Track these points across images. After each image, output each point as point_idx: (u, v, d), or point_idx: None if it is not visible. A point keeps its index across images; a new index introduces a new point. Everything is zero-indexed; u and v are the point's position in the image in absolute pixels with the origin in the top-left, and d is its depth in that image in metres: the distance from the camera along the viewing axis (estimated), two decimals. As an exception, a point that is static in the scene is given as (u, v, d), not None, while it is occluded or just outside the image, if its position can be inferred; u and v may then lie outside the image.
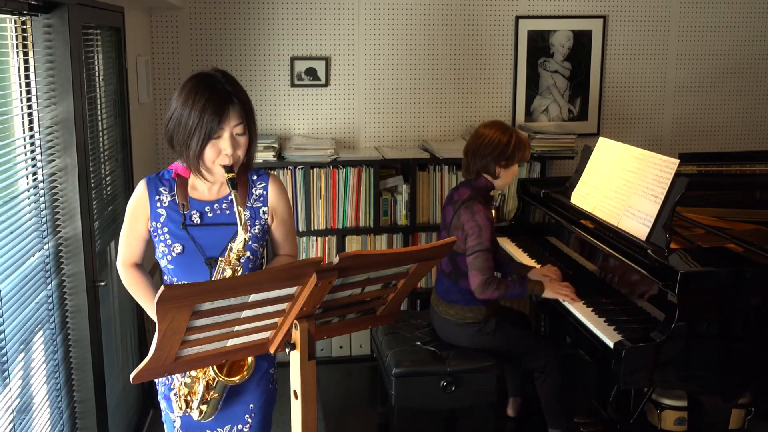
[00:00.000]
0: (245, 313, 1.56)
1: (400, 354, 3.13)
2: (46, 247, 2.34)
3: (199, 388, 2.03)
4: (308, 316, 1.63)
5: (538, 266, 3.27)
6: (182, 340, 1.51)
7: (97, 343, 2.59)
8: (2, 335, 1.97)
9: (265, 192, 2.13)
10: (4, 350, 1.98)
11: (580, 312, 2.81)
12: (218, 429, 2.15)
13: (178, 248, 2.03)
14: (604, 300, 2.88)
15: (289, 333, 1.65)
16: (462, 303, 3.13)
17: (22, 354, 2.16)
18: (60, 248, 2.43)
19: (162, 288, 1.38)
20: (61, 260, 2.44)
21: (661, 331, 2.44)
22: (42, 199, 2.31)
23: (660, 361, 2.43)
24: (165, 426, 2.22)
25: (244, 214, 2.02)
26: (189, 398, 2.05)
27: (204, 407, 2.05)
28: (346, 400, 3.93)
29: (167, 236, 2.04)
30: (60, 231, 2.43)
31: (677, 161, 2.73)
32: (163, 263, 2.07)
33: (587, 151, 3.39)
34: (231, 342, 1.63)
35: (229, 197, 2.06)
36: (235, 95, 1.96)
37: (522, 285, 3.02)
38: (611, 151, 3.18)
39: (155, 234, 2.06)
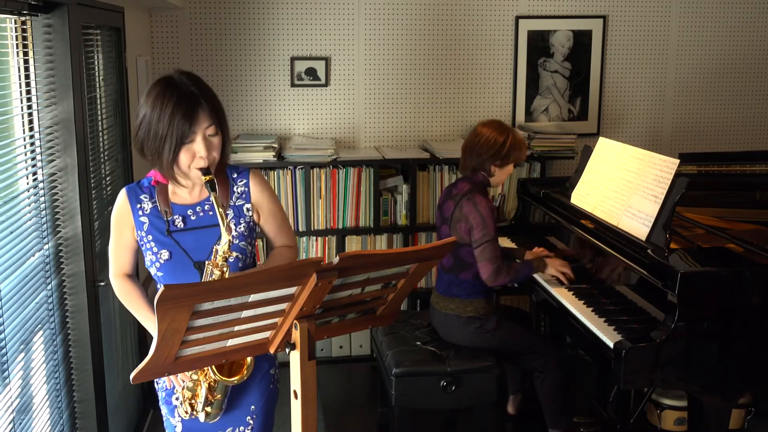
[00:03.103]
0: (245, 313, 1.56)
1: (400, 354, 3.13)
2: (46, 247, 2.34)
3: (202, 391, 2.03)
4: (308, 316, 1.63)
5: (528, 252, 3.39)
6: (182, 340, 1.51)
7: (97, 343, 2.59)
8: (2, 335, 1.97)
9: (246, 189, 2.10)
10: (4, 350, 1.98)
11: (580, 312, 2.81)
12: None
13: (165, 255, 2.02)
14: (604, 300, 2.88)
15: (289, 333, 1.65)
16: (463, 296, 3.15)
17: (22, 354, 2.16)
18: (60, 248, 2.43)
19: (162, 288, 1.38)
20: (61, 260, 2.44)
21: (661, 331, 2.44)
22: (42, 199, 2.31)
23: (660, 361, 2.43)
24: (166, 431, 2.22)
25: (227, 214, 2.00)
26: (193, 402, 2.05)
27: (209, 409, 2.06)
28: (346, 400, 3.92)
29: (152, 244, 2.03)
30: (60, 231, 2.43)
31: (677, 161, 2.73)
32: (152, 271, 2.06)
33: (587, 151, 3.39)
34: (231, 342, 1.63)
35: (210, 199, 2.03)
36: (202, 97, 1.92)
37: (528, 266, 3.13)
38: (611, 151, 3.19)
39: (141, 243, 2.05)
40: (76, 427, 2.55)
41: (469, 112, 4.38)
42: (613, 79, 4.49)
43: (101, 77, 2.92)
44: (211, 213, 2.05)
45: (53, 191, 2.39)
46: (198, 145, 1.92)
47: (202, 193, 2.07)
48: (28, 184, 2.25)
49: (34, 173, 2.30)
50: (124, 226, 2.06)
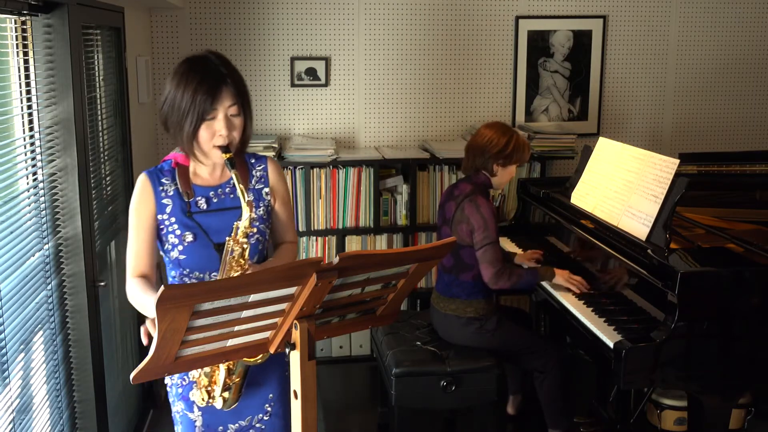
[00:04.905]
0: (245, 313, 1.56)
1: (400, 354, 3.13)
2: (46, 247, 2.34)
3: (221, 375, 2.00)
4: (308, 316, 1.63)
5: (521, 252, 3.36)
6: (182, 340, 1.51)
7: (97, 343, 2.59)
8: (2, 335, 1.97)
9: (265, 173, 2.14)
10: (4, 350, 1.98)
11: (580, 312, 2.81)
12: (239, 422, 2.14)
13: (189, 237, 2.01)
14: (604, 300, 2.88)
15: (289, 333, 1.65)
16: (463, 297, 3.14)
17: (22, 354, 2.16)
18: (60, 248, 2.44)
19: (162, 288, 1.37)
20: (61, 260, 2.44)
21: (661, 331, 2.44)
22: (42, 199, 2.31)
23: (660, 361, 2.43)
24: (180, 427, 2.16)
25: (248, 195, 2.00)
26: (210, 388, 2.02)
27: (226, 394, 2.02)
28: (346, 400, 3.92)
29: (176, 226, 2.02)
30: (60, 231, 2.43)
31: (677, 161, 2.73)
32: (173, 255, 2.03)
33: (587, 151, 3.40)
34: (231, 342, 1.63)
35: (231, 181, 2.05)
36: (228, 76, 1.95)
37: (533, 273, 3.10)
38: (611, 151, 3.19)
39: (162, 226, 2.03)
40: (76, 427, 2.55)
41: (469, 112, 4.38)
42: (613, 79, 4.49)
43: (101, 77, 2.92)
44: (232, 195, 2.06)
45: (53, 191, 2.39)
46: (219, 123, 1.94)
47: (223, 175, 2.08)
48: (28, 184, 2.25)
49: (34, 173, 2.30)
50: (145, 211, 2.02)
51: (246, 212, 1.91)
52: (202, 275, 2.04)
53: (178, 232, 2.01)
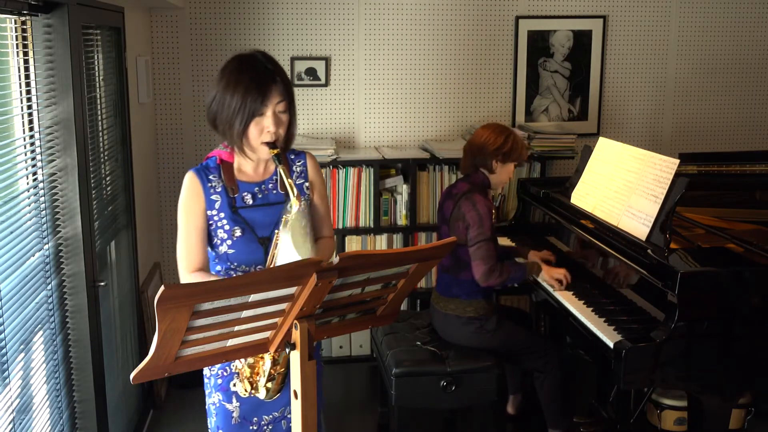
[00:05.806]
0: (245, 313, 1.56)
1: (400, 354, 3.13)
2: (46, 247, 2.34)
3: (265, 366, 2.00)
4: (308, 316, 1.63)
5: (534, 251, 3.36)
6: (182, 340, 1.51)
7: (97, 343, 2.59)
8: (2, 335, 1.97)
9: (304, 168, 2.19)
10: (4, 350, 1.98)
11: (580, 312, 2.81)
12: (273, 413, 2.18)
13: (238, 232, 2.06)
14: (604, 300, 2.88)
15: (289, 333, 1.65)
16: (463, 297, 3.15)
17: (22, 354, 2.16)
18: (60, 248, 2.43)
19: (162, 288, 1.38)
20: (61, 260, 2.44)
21: (661, 330, 2.44)
22: (42, 199, 2.31)
23: (660, 361, 2.43)
24: (214, 419, 2.17)
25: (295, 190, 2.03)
26: (252, 379, 2.03)
27: (270, 384, 2.01)
28: (346, 400, 3.92)
29: (225, 222, 2.06)
30: (60, 231, 2.43)
31: (677, 161, 2.73)
32: (222, 249, 2.07)
33: (587, 151, 3.40)
34: (231, 342, 1.63)
35: (274, 177, 2.12)
36: (277, 74, 2.01)
37: (521, 268, 3.13)
38: (611, 151, 3.19)
39: (212, 222, 2.07)
40: (76, 427, 2.55)
41: (469, 112, 4.38)
42: (613, 79, 4.49)
43: (101, 77, 2.92)
44: (275, 191, 2.11)
45: (53, 191, 2.39)
46: (267, 120, 1.99)
47: (267, 170, 2.14)
48: (28, 184, 2.25)
49: (34, 173, 2.30)
50: (195, 208, 2.06)
51: (295, 206, 1.95)
52: (248, 268, 2.10)
53: (227, 227, 2.06)
